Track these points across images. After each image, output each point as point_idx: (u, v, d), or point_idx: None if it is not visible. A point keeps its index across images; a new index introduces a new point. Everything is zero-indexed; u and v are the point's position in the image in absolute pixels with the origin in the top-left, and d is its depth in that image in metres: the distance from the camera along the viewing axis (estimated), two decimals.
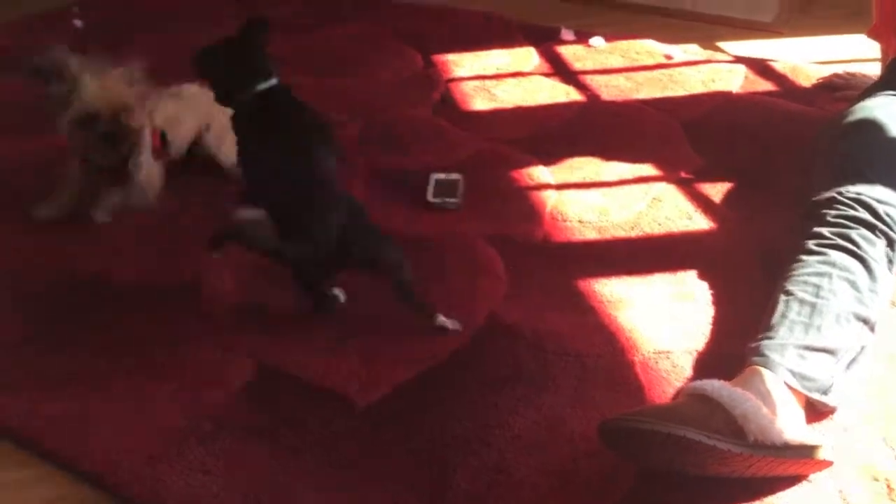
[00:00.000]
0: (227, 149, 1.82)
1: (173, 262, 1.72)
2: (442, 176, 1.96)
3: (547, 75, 2.50)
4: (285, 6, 3.03)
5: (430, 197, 1.89)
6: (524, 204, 1.90)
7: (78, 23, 2.86)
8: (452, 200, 1.88)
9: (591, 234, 1.79)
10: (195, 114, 1.95)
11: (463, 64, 2.58)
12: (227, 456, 1.28)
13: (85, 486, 1.26)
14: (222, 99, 1.54)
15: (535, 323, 1.54)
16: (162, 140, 1.86)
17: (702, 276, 1.64)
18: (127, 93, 1.74)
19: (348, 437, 1.32)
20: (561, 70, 2.53)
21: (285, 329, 1.54)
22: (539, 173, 2.00)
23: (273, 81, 1.53)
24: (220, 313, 1.58)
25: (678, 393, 1.32)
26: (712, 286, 1.60)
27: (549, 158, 2.05)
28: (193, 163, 1.98)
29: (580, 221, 1.82)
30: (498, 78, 2.49)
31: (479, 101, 2.37)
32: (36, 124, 1.96)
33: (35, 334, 1.54)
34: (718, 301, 1.57)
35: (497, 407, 1.36)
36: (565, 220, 1.83)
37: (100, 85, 1.71)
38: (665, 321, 1.53)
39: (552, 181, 1.97)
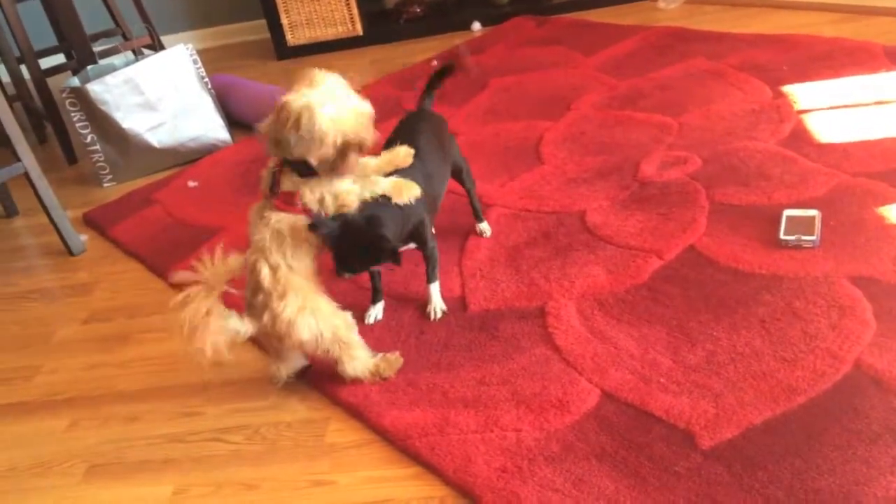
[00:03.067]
0: None
1: (528, 289, 1.81)
2: (796, 212, 1.84)
3: None
4: (624, 46, 3.09)
5: (782, 234, 1.79)
6: (894, 244, 1.71)
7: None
8: (809, 238, 1.75)
9: None
10: None
11: (817, 94, 2.41)
12: (575, 477, 1.31)
13: (447, 487, 1.37)
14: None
15: None
16: None
17: None
18: None
19: (690, 474, 1.28)
20: None
21: (629, 360, 1.55)
22: None
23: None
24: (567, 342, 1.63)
25: None
26: None
27: None
28: None
29: None
30: (859, 107, 2.29)
31: (837, 132, 2.19)
32: None
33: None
34: None
35: (868, 464, 1.23)
36: None
37: None
38: None
39: None
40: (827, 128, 2.22)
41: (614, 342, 1.60)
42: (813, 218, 1.81)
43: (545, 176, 2.28)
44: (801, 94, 2.43)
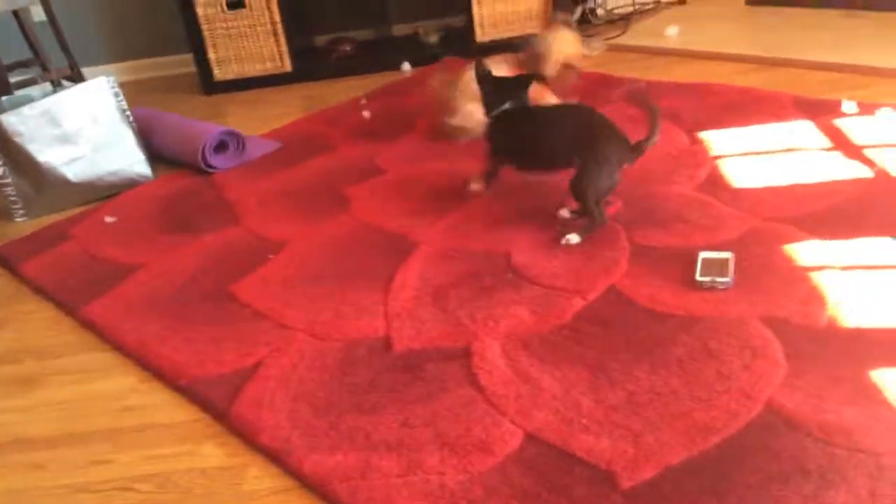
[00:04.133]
0: None
1: (454, 329, 1.81)
2: (711, 254, 1.90)
3: (827, 150, 2.35)
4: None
5: (698, 276, 1.84)
6: (804, 286, 1.78)
7: (366, 113, 3.19)
8: (723, 280, 1.81)
9: (882, 323, 1.63)
10: None
11: (731, 140, 2.51)
12: None
13: None
14: (486, 112, 2.28)
15: (820, 414, 1.42)
16: None
17: None
18: None
19: None
20: (842, 144, 2.37)
21: (552, 401, 1.56)
22: (820, 254, 1.87)
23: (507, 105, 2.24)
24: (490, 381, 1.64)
25: None
26: None
27: (832, 238, 1.92)
28: None
29: (869, 307, 1.67)
30: (770, 154, 2.39)
31: (750, 177, 2.28)
32: None
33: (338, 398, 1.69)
34: None
35: (780, 502, 1.26)
36: (852, 306, 1.68)
37: None
38: None
39: (836, 263, 1.83)
40: (740, 174, 2.31)
41: (538, 383, 1.61)
42: (727, 260, 1.87)
43: (472, 216, 2.30)
44: (715, 140, 2.53)
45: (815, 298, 1.73)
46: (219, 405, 1.67)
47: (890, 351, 1.55)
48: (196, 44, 3.77)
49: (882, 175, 2.17)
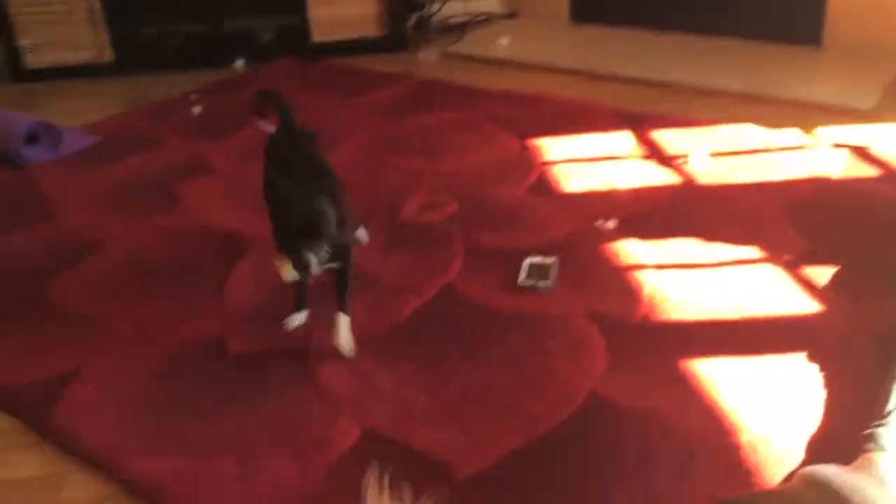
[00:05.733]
0: None
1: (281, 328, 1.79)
2: (537, 259, 1.98)
3: (644, 158, 2.53)
4: (384, 93, 3.20)
5: (521, 280, 1.91)
6: (622, 283, 1.91)
7: (196, 109, 3.07)
8: (544, 284, 1.90)
9: (692, 315, 1.78)
10: None
11: (558, 147, 2.64)
12: None
13: None
14: None
15: (637, 401, 1.53)
16: None
17: (812, 358, 1.60)
18: None
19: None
20: (657, 153, 2.56)
21: (388, 397, 1.57)
22: (637, 254, 2.01)
23: None
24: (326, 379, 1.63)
25: (790, 476, 1.28)
26: (823, 368, 1.57)
27: (647, 239, 2.07)
28: None
29: (681, 302, 1.81)
30: (593, 161, 2.54)
31: (574, 182, 2.41)
32: None
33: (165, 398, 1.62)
34: (830, 384, 1.53)
35: (603, 481, 1.34)
36: (665, 301, 1.82)
37: None
38: (773, 403, 1.50)
39: (650, 262, 1.98)
40: (566, 178, 2.44)
41: (374, 380, 1.62)
42: (550, 265, 1.96)
43: None
44: (544, 146, 2.66)
45: (633, 294, 1.86)
46: (34, 413, 1.55)
47: (701, 342, 1.69)
48: (2, 26, 3.47)
49: (691, 182, 2.37)
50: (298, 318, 1.79)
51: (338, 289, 1.67)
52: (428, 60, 3.69)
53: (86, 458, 1.45)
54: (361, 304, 1.85)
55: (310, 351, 1.70)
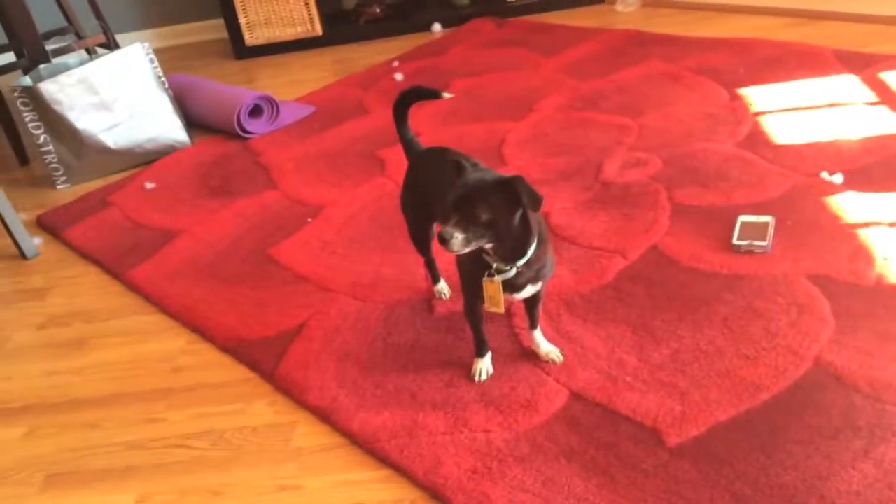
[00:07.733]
0: None
1: None
2: (751, 218, 1.87)
3: (872, 104, 2.30)
4: (582, 49, 3.12)
5: (735, 239, 1.81)
6: (850, 243, 1.75)
7: (399, 76, 3.17)
8: (761, 244, 1.78)
9: None
10: None
11: (772, 96, 2.46)
12: (545, 477, 1.32)
13: (418, 490, 1.36)
14: None
15: (870, 371, 1.41)
16: None
17: None
18: None
19: (658, 472, 1.30)
20: (887, 98, 2.31)
21: (596, 360, 1.56)
22: (866, 210, 1.84)
23: None
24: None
25: None
26: None
27: (878, 192, 1.88)
28: None
29: None
30: (813, 109, 2.34)
31: (792, 134, 2.24)
32: None
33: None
34: None
35: (831, 459, 1.26)
36: None
37: None
38: None
39: (883, 219, 1.80)
40: (782, 130, 2.27)
41: (581, 342, 1.61)
42: (766, 224, 1.84)
43: None
44: (756, 96, 2.48)
45: (862, 255, 1.71)
46: (266, 366, 1.70)
47: None
48: (227, 8, 3.76)
49: None
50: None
51: (529, 309, 1.59)
52: (626, 11, 3.56)
53: (313, 410, 1.57)
54: (566, 266, 1.84)
55: (513, 312, 1.72)
